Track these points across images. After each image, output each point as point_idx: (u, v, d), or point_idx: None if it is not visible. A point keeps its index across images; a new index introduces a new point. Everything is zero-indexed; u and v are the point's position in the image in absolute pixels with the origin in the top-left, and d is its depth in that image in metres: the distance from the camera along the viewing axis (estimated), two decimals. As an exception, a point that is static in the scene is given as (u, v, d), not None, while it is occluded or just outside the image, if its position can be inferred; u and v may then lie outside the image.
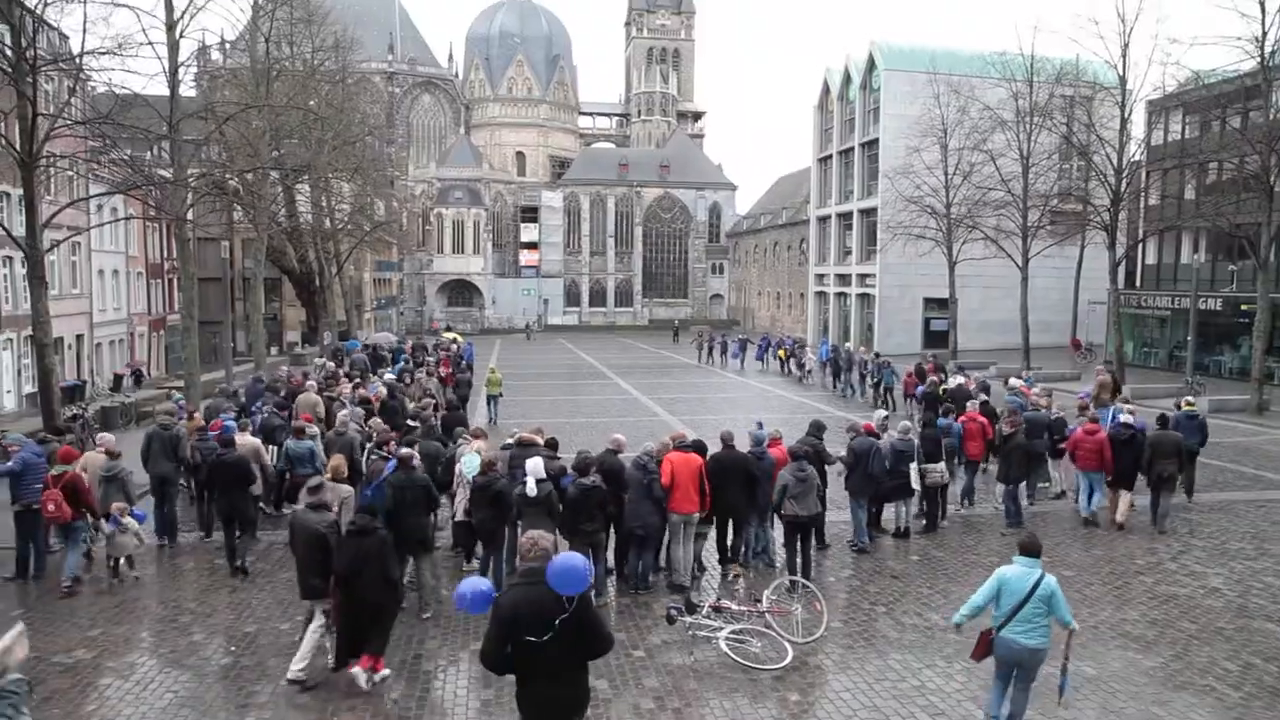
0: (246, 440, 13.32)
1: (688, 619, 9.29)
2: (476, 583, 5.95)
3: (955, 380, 22.43)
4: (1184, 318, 34.17)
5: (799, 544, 11.23)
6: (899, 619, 10.20)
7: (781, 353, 41.03)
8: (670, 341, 63.22)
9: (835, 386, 33.18)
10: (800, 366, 37.87)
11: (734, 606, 9.75)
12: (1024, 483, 14.41)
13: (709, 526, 11.82)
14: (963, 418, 15.36)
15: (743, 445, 11.99)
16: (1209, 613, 10.34)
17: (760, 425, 12.97)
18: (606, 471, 10.86)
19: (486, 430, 14.87)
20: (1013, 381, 21.89)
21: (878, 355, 31.53)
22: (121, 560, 11.47)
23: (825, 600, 10.09)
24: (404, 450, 10.78)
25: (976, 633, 7.47)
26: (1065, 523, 14.30)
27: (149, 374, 42.08)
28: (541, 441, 12.05)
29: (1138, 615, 10.28)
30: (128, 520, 11.46)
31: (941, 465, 13.68)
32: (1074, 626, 7.22)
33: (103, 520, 11.53)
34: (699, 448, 11.58)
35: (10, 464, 11.52)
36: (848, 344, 41.21)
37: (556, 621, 5.28)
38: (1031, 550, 7.23)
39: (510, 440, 12.49)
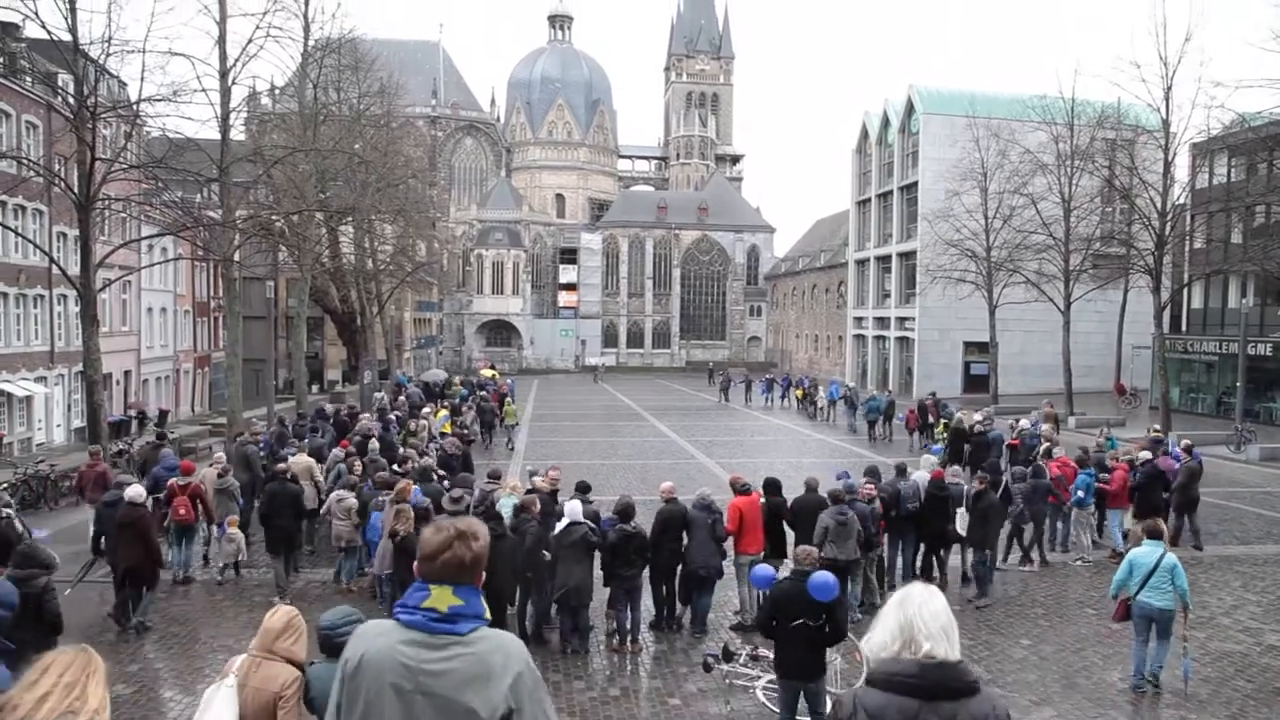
0: (301, 459, 14.67)
1: (724, 667, 9.14)
2: (767, 568, 8.72)
3: (963, 419, 22.99)
4: (1232, 363, 33.43)
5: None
6: (941, 671, 9.96)
7: (800, 392, 43.41)
8: (707, 383, 63.14)
9: (850, 425, 35.24)
10: (813, 404, 40.84)
11: (771, 655, 9.59)
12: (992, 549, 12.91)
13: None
14: (1054, 465, 15.06)
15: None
16: (1266, 671, 9.97)
17: (847, 474, 13.06)
18: (670, 519, 10.87)
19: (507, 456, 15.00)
20: (1023, 423, 21.98)
21: (890, 391, 35.92)
22: (234, 563, 13.35)
23: (862, 650, 9.88)
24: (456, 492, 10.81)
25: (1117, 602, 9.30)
26: (1104, 573, 13.93)
27: (193, 410, 42.80)
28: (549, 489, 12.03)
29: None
30: (233, 530, 13.27)
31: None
32: (1189, 604, 9.23)
33: (214, 526, 13.68)
34: (773, 486, 11.69)
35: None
36: (853, 384, 42.94)
37: (819, 613, 7.35)
38: (1155, 534, 9.26)
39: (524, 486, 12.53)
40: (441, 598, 2.77)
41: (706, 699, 9.12)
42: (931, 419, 27.90)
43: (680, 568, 10.96)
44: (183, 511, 12.72)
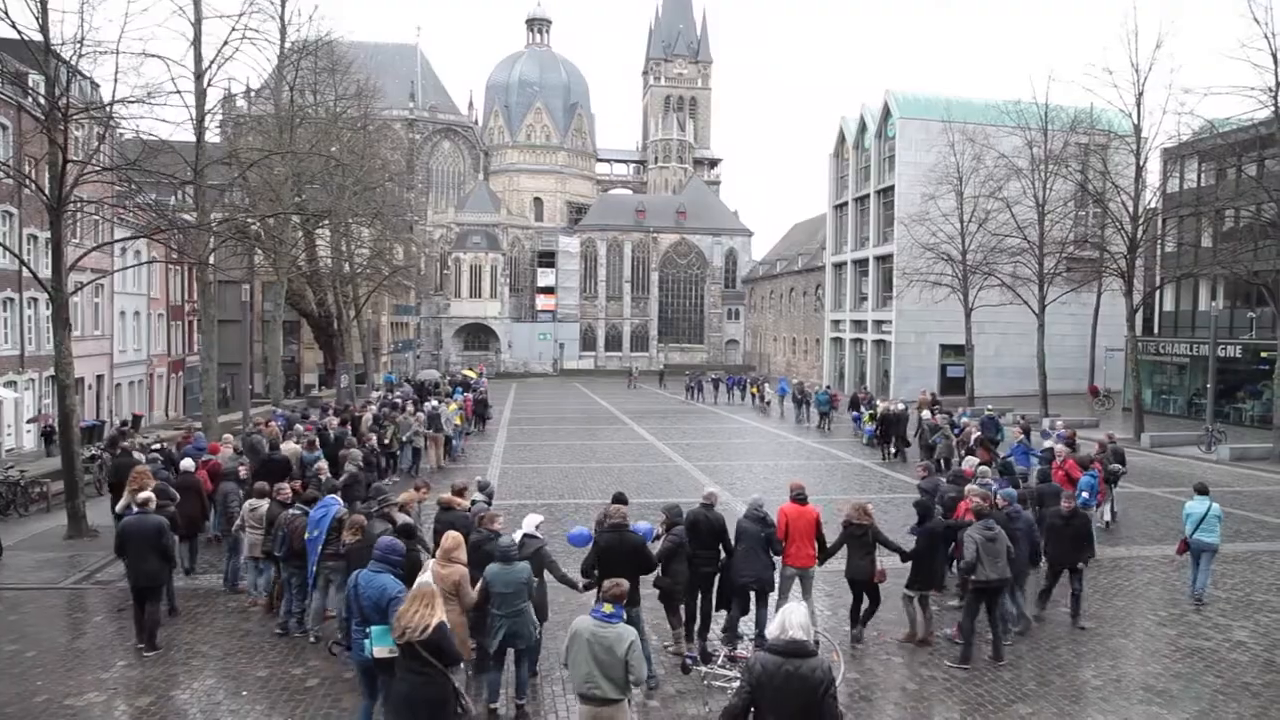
0: (290, 447, 16.79)
1: (703, 668, 9.20)
2: (583, 529, 10.60)
3: (888, 406, 27.73)
4: (1203, 365, 33.93)
5: (985, 613, 10.25)
6: (916, 670, 10.04)
7: (754, 389, 48.71)
8: (659, 386, 62.63)
9: (796, 418, 37.94)
10: (762, 399, 45.38)
11: (749, 656, 9.63)
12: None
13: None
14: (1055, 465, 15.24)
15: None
16: (1235, 667, 10.13)
17: (1004, 481, 13.05)
18: (708, 526, 10.24)
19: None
20: (924, 414, 24.74)
21: (830, 386, 41.59)
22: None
23: (840, 651, 9.95)
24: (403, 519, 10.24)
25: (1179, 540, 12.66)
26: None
27: (166, 415, 42.35)
28: (466, 503, 11.04)
29: (1161, 669, 10.09)
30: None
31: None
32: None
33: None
34: (924, 510, 11.07)
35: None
36: (798, 380, 48.25)
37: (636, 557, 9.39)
38: (1203, 490, 12.56)
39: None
40: (606, 608, 6.79)
41: (686, 700, 9.13)
42: (862, 406, 32.58)
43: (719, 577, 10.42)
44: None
